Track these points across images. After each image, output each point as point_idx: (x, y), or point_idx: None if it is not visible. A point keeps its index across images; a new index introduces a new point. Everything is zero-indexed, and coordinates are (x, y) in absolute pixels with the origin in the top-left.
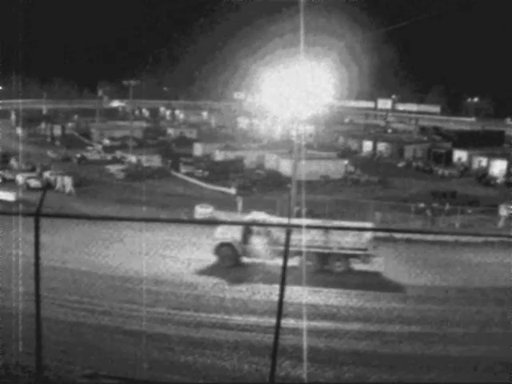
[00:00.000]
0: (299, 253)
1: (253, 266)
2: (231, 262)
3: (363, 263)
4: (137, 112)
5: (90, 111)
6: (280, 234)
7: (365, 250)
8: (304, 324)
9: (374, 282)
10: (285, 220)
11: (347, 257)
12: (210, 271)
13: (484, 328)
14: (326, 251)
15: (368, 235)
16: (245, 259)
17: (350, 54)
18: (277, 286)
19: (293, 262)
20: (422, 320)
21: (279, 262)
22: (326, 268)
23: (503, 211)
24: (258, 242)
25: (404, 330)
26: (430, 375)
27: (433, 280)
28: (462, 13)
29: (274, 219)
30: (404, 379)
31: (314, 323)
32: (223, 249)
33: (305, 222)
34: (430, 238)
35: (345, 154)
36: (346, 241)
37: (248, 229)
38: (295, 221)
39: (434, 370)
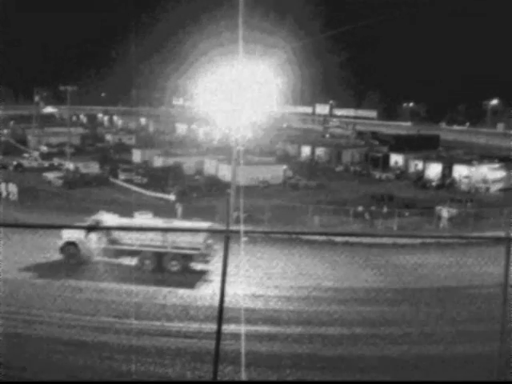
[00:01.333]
0: (138, 252)
1: (95, 264)
2: (75, 261)
3: (200, 263)
4: (74, 118)
5: (26, 117)
6: (121, 235)
7: (198, 249)
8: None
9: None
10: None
11: (183, 256)
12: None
13: (422, 328)
14: (163, 251)
15: (202, 236)
16: (91, 258)
17: (288, 59)
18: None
19: (132, 261)
20: (363, 321)
21: (123, 260)
22: (163, 267)
23: (445, 213)
24: (98, 242)
25: (345, 331)
26: (370, 375)
27: (371, 282)
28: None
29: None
30: (346, 380)
31: (255, 328)
32: (68, 248)
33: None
34: (368, 240)
35: (283, 158)
36: (181, 241)
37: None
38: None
39: (375, 371)
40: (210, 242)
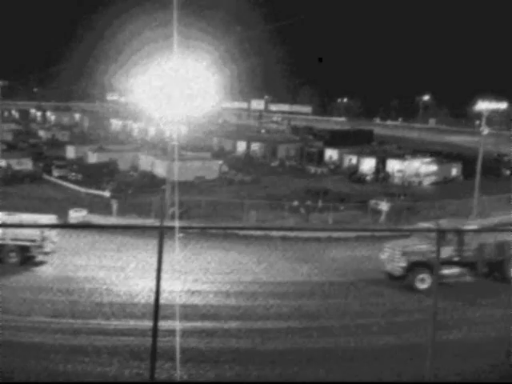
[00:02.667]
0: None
1: None
2: None
3: (39, 254)
4: (6, 114)
5: None
6: None
7: (34, 241)
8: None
9: None
10: None
11: (21, 248)
12: None
13: (356, 319)
14: (1, 242)
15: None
16: None
17: (223, 55)
18: None
19: None
20: (300, 314)
21: None
22: (2, 258)
23: (384, 206)
24: None
25: (282, 325)
26: (310, 368)
27: (307, 275)
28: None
29: None
30: (285, 374)
31: (193, 324)
32: None
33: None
34: (304, 234)
35: (219, 154)
36: (19, 233)
37: None
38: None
39: (313, 363)
40: (46, 234)
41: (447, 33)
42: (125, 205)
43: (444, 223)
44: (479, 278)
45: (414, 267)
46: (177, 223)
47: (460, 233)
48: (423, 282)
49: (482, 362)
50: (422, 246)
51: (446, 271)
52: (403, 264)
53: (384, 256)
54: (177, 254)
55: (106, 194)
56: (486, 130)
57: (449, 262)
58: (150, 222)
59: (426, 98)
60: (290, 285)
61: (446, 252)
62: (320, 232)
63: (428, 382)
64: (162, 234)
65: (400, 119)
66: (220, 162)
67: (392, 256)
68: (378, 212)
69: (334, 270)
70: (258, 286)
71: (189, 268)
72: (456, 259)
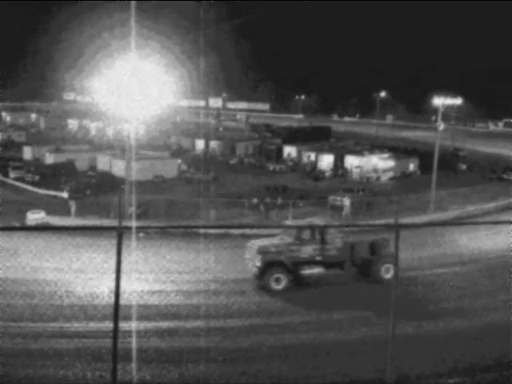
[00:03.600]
0: None
1: None
2: None
3: None
4: None
5: None
6: None
7: None
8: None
9: None
10: None
11: None
12: None
13: (319, 315)
14: None
15: None
16: None
17: (180, 52)
18: None
19: None
20: (261, 312)
21: None
22: None
23: (347, 201)
24: None
25: (244, 323)
26: (273, 365)
27: None
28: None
29: None
30: (248, 371)
31: (154, 324)
32: None
33: None
34: (264, 231)
35: (178, 152)
36: None
37: None
38: None
39: (276, 359)
40: None
41: (402, 29)
42: (83, 205)
43: (315, 220)
44: (349, 278)
45: (269, 267)
46: (135, 223)
47: (322, 231)
48: (278, 282)
49: None
50: (278, 245)
51: (307, 271)
52: (258, 263)
53: (246, 255)
54: (137, 254)
55: (64, 194)
56: (441, 126)
57: (311, 262)
58: (108, 222)
59: (383, 94)
60: (250, 282)
61: (307, 251)
62: (279, 228)
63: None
64: (120, 235)
65: (357, 115)
66: (179, 160)
67: (250, 255)
68: (337, 208)
69: None
70: (219, 285)
71: (149, 268)
72: (319, 258)
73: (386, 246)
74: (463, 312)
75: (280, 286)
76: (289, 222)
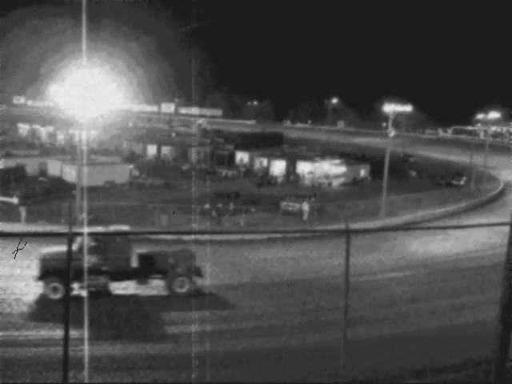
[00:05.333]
0: None
1: None
2: None
3: None
4: None
5: None
6: None
7: None
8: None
9: None
10: None
11: None
12: None
13: (271, 320)
14: None
15: None
16: None
17: (133, 58)
18: None
19: None
20: (215, 318)
21: None
22: None
23: (305, 206)
24: None
25: (198, 329)
26: (225, 371)
27: (220, 279)
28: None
29: None
30: (200, 377)
31: (108, 331)
32: None
33: None
34: (217, 237)
35: (129, 158)
36: None
37: None
38: None
39: (229, 365)
40: None
41: (355, 37)
42: (34, 211)
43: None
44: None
45: (47, 275)
46: (85, 229)
47: (106, 239)
48: (56, 291)
49: None
50: (61, 253)
51: (92, 281)
52: (37, 271)
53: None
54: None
55: (14, 200)
56: (392, 132)
57: (95, 271)
58: (59, 228)
59: (335, 100)
60: (212, 288)
61: (91, 260)
62: (233, 235)
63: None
64: (70, 241)
65: (309, 122)
66: (130, 166)
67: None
68: (290, 213)
69: (247, 271)
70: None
71: None
72: (105, 268)
73: (188, 259)
74: (413, 315)
75: (56, 296)
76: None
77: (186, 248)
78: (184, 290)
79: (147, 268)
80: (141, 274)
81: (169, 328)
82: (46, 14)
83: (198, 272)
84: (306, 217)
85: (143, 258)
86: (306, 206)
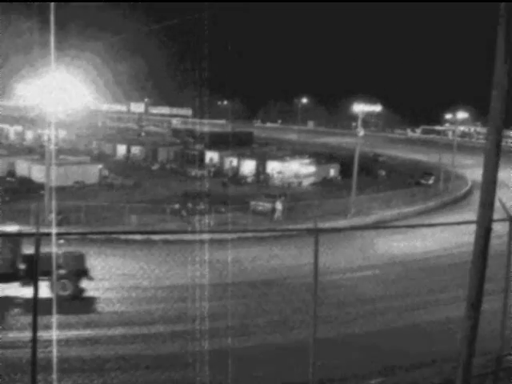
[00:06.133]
0: None
1: None
2: None
3: None
4: None
5: None
6: None
7: None
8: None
9: None
10: None
11: None
12: None
13: (242, 320)
14: None
15: None
16: None
17: (102, 56)
18: None
19: None
20: (184, 318)
21: None
22: None
23: (279, 205)
24: None
25: (167, 329)
26: (196, 370)
27: (191, 278)
28: (212, 19)
29: None
30: (173, 377)
31: (76, 332)
32: None
33: None
34: (187, 237)
35: (99, 158)
36: None
37: None
38: None
39: (200, 365)
40: None
41: (325, 37)
42: (1, 212)
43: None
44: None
45: None
46: (54, 229)
47: None
48: None
49: None
50: None
51: None
52: None
53: None
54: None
55: None
56: (361, 132)
57: None
58: (28, 229)
59: (305, 100)
60: (174, 288)
61: None
62: (203, 234)
63: None
64: (38, 241)
65: (279, 121)
66: (100, 166)
67: None
68: (260, 213)
69: (219, 271)
70: (142, 291)
71: None
72: None
73: (75, 261)
74: (383, 313)
75: None
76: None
77: (76, 250)
78: (66, 293)
79: (32, 269)
80: (26, 276)
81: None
82: (11, 12)
83: (85, 274)
84: (279, 215)
85: (28, 259)
86: (279, 205)
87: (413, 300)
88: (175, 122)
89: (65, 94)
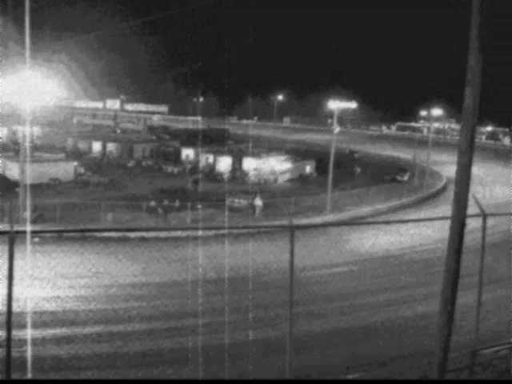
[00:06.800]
0: None
1: None
2: None
3: None
4: None
5: None
6: None
7: None
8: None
9: None
10: None
11: None
12: None
13: (218, 317)
14: None
15: None
16: None
17: (77, 53)
18: None
19: None
20: (161, 315)
21: None
22: None
23: (258, 201)
24: None
25: (143, 327)
26: (173, 368)
27: (167, 275)
28: (188, 15)
29: None
30: (149, 375)
31: (51, 331)
32: None
33: None
34: (163, 234)
35: (74, 155)
36: None
37: None
38: None
39: (177, 362)
40: None
41: (304, 33)
42: None
43: None
44: None
45: None
46: (29, 227)
47: None
48: None
49: None
50: None
51: None
52: None
53: None
54: (32, 259)
55: None
56: (337, 129)
57: None
58: (1, 227)
59: (280, 97)
60: (148, 286)
61: None
62: (179, 231)
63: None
64: (12, 240)
65: (255, 118)
66: (75, 163)
67: None
68: (236, 210)
69: (195, 268)
70: (118, 289)
71: (46, 273)
72: None
73: None
74: (359, 309)
75: None
76: None
77: None
78: None
79: None
80: None
81: None
82: None
83: None
84: (257, 212)
85: None
86: (259, 202)
87: (388, 296)
88: (156, 118)
89: (39, 91)
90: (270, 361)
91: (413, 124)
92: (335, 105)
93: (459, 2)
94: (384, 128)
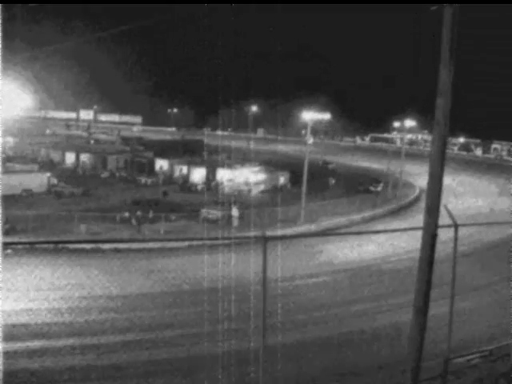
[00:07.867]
0: None
1: None
2: None
3: None
4: None
5: None
6: None
7: None
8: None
9: None
10: None
11: None
12: None
13: (191, 329)
14: None
15: None
16: None
17: (50, 64)
18: None
19: None
20: (135, 327)
21: None
22: None
23: (235, 212)
24: None
25: (117, 339)
26: (147, 381)
27: (141, 287)
28: (163, 26)
29: None
30: None
31: (24, 344)
32: None
33: None
34: (136, 246)
35: (47, 166)
36: None
37: None
38: None
39: (151, 375)
40: None
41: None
42: None
43: None
44: None
45: None
46: (0, 239)
47: None
48: None
49: None
50: None
51: None
52: None
53: None
54: (4, 271)
55: None
56: (311, 140)
57: None
58: None
59: (255, 108)
60: (124, 297)
61: None
62: (152, 243)
63: None
64: None
65: (229, 129)
66: (48, 174)
67: None
68: (210, 221)
69: (168, 279)
70: (92, 301)
71: (18, 286)
72: None
73: None
74: (334, 319)
75: None
76: None
77: None
78: None
79: None
80: None
81: None
82: None
83: None
84: (235, 223)
85: None
86: (235, 212)
87: (361, 306)
88: (136, 129)
89: (11, 103)
90: (243, 372)
91: (386, 135)
92: (309, 116)
93: (432, 13)
94: (358, 139)
